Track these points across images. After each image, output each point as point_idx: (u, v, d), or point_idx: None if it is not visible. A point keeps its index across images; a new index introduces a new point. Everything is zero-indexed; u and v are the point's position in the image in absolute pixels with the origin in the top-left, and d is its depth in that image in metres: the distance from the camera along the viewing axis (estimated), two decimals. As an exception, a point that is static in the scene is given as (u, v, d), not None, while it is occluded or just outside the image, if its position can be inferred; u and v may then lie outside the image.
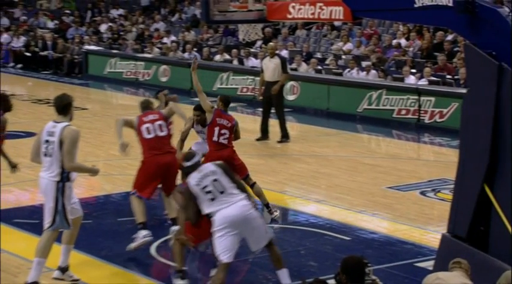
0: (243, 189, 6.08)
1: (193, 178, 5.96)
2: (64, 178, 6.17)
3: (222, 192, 5.92)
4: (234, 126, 8.19)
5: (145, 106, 7.70)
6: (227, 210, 5.87)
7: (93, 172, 6.48)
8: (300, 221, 8.23)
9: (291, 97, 15.70)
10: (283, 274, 6.11)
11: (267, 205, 8.15)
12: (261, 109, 12.95)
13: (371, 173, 10.55)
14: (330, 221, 8.31)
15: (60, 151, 6.12)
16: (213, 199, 5.90)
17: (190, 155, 6.22)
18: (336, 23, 18.40)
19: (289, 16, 7.37)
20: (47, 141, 6.18)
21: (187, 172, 6.08)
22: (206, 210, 5.91)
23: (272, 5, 7.66)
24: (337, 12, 6.82)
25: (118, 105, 17.55)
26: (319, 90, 15.62)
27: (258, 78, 13.94)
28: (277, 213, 8.16)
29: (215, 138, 8.04)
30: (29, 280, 6.12)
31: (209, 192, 5.90)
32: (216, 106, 8.36)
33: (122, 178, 9.84)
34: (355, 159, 11.54)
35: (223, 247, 5.81)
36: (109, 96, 18.68)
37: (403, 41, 17.09)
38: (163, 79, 18.64)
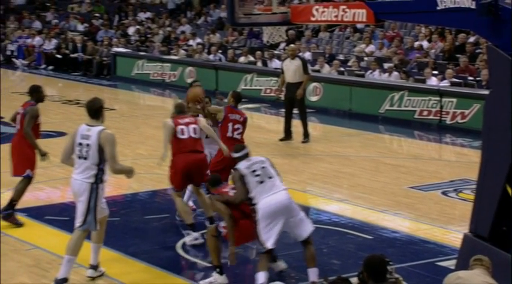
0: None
1: (243, 164, 6.27)
2: (98, 179, 6.24)
3: (270, 177, 6.21)
4: (246, 120, 8.18)
5: (181, 111, 7.72)
6: (271, 197, 6.09)
7: (132, 173, 6.52)
8: (323, 220, 8.20)
9: (313, 99, 15.67)
10: (313, 273, 6.18)
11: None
12: (284, 110, 12.94)
13: (393, 173, 10.48)
14: (352, 221, 8.27)
15: (98, 154, 6.19)
16: (261, 182, 6.16)
17: (239, 147, 6.54)
18: (359, 25, 18.32)
19: (313, 19, 7.35)
20: (80, 144, 6.24)
21: (236, 161, 6.35)
22: (253, 191, 6.12)
23: (296, 7, 7.65)
24: (360, 14, 6.79)
25: (145, 106, 17.66)
26: (341, 91, 15.57)
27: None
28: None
29: (229, 134, 8.06)
30: (59, 276, 6.18)
31: (258, 175, 6.18)
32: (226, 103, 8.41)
33: (149, 177, 9.90)
34: (377, 159, 11.47)
35: (268, 234, 6.04)
36: (136, 97, 18.79)
37: (425, 43, 16.96)
38: (189, 80, 18.67)
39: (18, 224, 7.89)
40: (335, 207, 8.86)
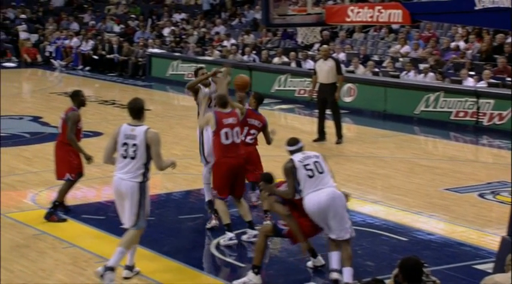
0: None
1: (297, 156, 6.37)
2: (145, 178, 6.32)
3: (321, 172, 6.28)
4: (265, 126, 8.03)
5: (224, 103, 7.44)
6: (316, 193, 6.17)
7: (175, 164, 6.62)
8: (357, 221, 8.14)
9: (347, 99, 15.58)
10: (348, 273, 6.18)
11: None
12: (317, 110, 12.90)
13: (428, 175, 10.36)
14: (387, 222, 8.20)
15: (146, 154, 6.24)
16: (310, 177, 6.24)
17: (294, 140, 6.56)
18: (394, 26, 18.16)
19: (348, 19, 7.33)
20: (125, 144, 6.28)
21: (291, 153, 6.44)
22: (301, 185, 6.21)
23: (331, 8, 7.63)
24: (396, 15, 6.74)
25: (179, 106, 17.77)
26: (376, 92, 15.45)
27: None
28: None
29: (242, 137, 7.82)
30: (108, 263, 6.26)
31: (310, 169, 6.26)
32: (248, 105, 8.21)
33: (183, 177, 9.95)
34: (412, 160, 11.36)
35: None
36: (171, 98, 18.92)
37: (461, 44, 16.74)
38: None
39: (61, 220, 8.05)
40: (369, 209, 8.79)
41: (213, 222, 7.78)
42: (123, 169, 6.31)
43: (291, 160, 6.33)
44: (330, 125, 12.61)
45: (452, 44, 16.78)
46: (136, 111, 6.38)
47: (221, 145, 7.31)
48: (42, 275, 6.61)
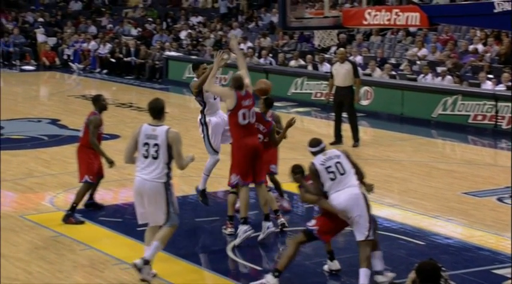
0: (361, 174, 6.50)
1: (318, 159, 6.42)
2: (169, 178, 6.39)
3: (342, 174, 6.34)
4: (272, 130, 7.97)
5: (240, 85, 7.44)
6: (339, 193, 6.27)
7: (194, 159, 6.68)
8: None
9: (364, 102, 15.53)
10: (363, 273, 6.18)
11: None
12: (333, 113, 12.87)
13: (446, 178, 10.29)
14: (404, 226, 8.15)
15: (168, 153, 6.30)
16: (333, 179, 6.31)
17: (316, 141, 6.59)
18: (411, 29, 18.08)
19: (365, 22, 7.31)
20: (147, 144, 6.33)
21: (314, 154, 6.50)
22: (326, 187, 6.32)
23: (348, 11, 7.61)
24: (414, 18, 6.71)
25: (195, 109, 17.66)
26: (393, 95, 15.39)
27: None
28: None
29: None
30: (145, 256, 6.34)
31: (331, 171, 6.33)
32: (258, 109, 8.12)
33: (199, 180, 9.96)
34: (429, 164, 11.29)
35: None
36: (187, 100, 18.95)
37: (480, 47, 16.62)
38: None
39: (79, 222, 8.11)
40: (386, 212, 8.74)
41: (229, 230, 7.76)
42: (146, 169, 6.35)
43: (313, 164, 6.37)
44: (346, 128, 12.57)
45: (471, 47, 16.67)
46: (157, 111, 6.43)
47: (239, 125, 7.38)
48: (60, 277, 6.65)
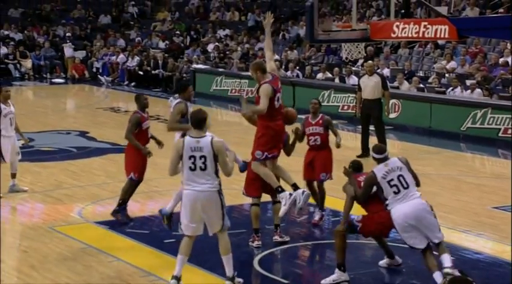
0: (417, 183, 6.68)
1: (380, 171, 6.55)
2: (220, 186, 6.50)
3: (405, 187, 6.49)
4: (284, 144, 7.90)
5: (264, 69, 7.60)
6: (404, 207, 6.43)
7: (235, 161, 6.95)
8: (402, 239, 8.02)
9: (392, 115, 15.42)
10: (447, 258, 6.49)
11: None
12: (360, 126, 12.82)
13: (476, 192, 10.17)
14: (433, 241, 8.04)
15: (215, 163, 6.39)
16: (396, 193, 6.47)
17: (381, 149, 6.79)
18: (440, 42, 17.98)
19: (393, 35, 7.29)
20: (192, 157, 6.37)
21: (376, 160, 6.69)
22: (389, 200, 6.49)
23: (376, 24, 7.61)
24: (442, 31, 6.68)
25: (223, 122, 17.87)
26: (421, 108, 15.28)
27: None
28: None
29: None
30: (228, 273, 6.53)
31: (394, 185, 6.48)
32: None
33: (227, 192, 9.91)
34: (458, 177, 11.16)
35: (412, 240, 6.49)
36: (214, 113, 19.04)
37: (510, 59, 16.44)
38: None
39: (128, 218, 8.39)
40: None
41: (256, 243, 7.76)
42: (197, 181, 6.38)
43: (374, 174, 6.54)
44: (373, 141, 12.50)
45: (501, 60, 16.50)
46: (199, 121, 6.50)
47: (273, 108, 7.45)
48: (88, 289, 6.70)
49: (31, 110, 10.76)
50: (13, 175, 9.90)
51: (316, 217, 8.62)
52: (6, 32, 26.36)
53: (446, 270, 6.40)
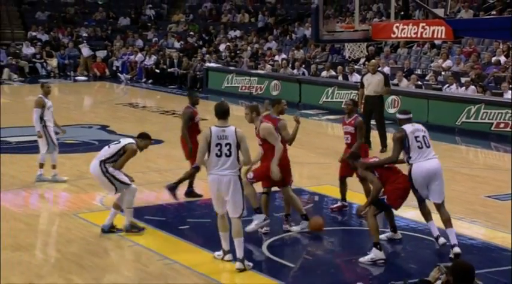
0: None
1: (408, 128, 6.99)
2: (240, 172, 6.68)
3: (428, 146, 6.95)
4: (277, 129, 7.73)
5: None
6: (425, 163, 6.88)
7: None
8: (401, 226, 8.00)
9: (391, 111, 15.37)
10: (452, 233, 6.88)
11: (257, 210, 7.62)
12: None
13: (469, 183, 10.12)
14: (429, 227, 8.01)
15: (237, 150, 6.60)
16: (420, 148, 6.90)
17: (406, 110, 7.22)
18: (436, 42, 17.87)
19: (393, 35, 7.24)
20: (218, 144, 6.56)
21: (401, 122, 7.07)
22: (412, 155, 6.89)
23: (377, 25, 7.57)
24: (439, 31, 6.63)
25: (233, 117, 17.69)
26: (419, 104, 15.19)
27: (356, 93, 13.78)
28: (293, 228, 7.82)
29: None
30: (238, 256, 6.59)
31: (419, 141, 6.91)
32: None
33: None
34: (453, 169, 11.10)
35: (420, 192, 6.94)
36: (226, 108, 19.05)
37: (502, 58, 16.33)
38: (274, 93, 18.79)
39: (175, 197, 8.22)
40: (412, 214, 8.60)
41: (265, 229, 7.72)
42: (221, 166, 6.56)
43: (403, 130, 6.90)
44: (373, 134, 12.46)
45: (494, 59, 16.39)
46: (225, 112, 6.73)
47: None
48: (109, 270, 6.72)
49: (56, 106, 10.75)
50: (53, 167, 10.01)
51: (336, 205, 8.55)
52: (34, 33, 26.47)
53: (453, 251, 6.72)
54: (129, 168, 10.95)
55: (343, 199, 8.61)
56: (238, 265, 6.60)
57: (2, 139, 13.15)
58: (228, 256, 6.79)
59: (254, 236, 7.72)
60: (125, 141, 7.67)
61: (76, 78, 24.36)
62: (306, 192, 9.56)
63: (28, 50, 24.96)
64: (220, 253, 6.85)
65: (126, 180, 7.66)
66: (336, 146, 11.95)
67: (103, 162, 7.53)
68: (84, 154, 11.99)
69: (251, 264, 6.68)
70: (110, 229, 7.66)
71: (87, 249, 7.28)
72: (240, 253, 6.63)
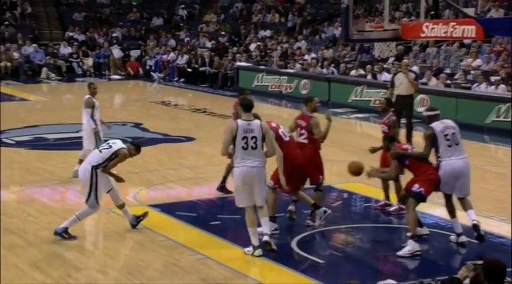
0: None
1: (438, 126, 7.05)
2: (265, 164, 6.86)
3: (457, 144, 7.00)
4: (309, 126, 7.74)
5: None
6: (454, 161, 6.97)
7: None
8: (429, 223, 7.92)
9: (421, 109, 15.20)
10: (471, 214, 7.13)
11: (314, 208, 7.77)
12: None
13: (498, 181, 9.96)
14: (458, 225, 7.91)
15: (262, 143, 6.75)
16: (449, 146, 6.97)
17: (433, 107, 7.40)
18: (466, 41, 17.60)
19: (423, 35, 7.16)
20: (245, 137, 6.70)
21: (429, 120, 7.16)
22: (441, 153, 7.00)
23: (407, 24, 7.49)
24: (470, 30, 6.53)
25: (263, 115, 17.57)
26: (447, 103, 14.98)
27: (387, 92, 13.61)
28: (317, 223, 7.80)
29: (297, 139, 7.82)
30: (266, 231, 6.82)
31: (448, 139, 6.98)
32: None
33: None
34: (483, 167, 10.93)
35: (447, 188, 7.10)
36: (256, 107, 19.05)
37: (532, 57, 16.01)
38: (304, 91, 18.74)
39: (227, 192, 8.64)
40: (441, 212, 8.50)
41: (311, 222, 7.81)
42: (249, 159, 6.71)
43: (432, 128, 6.97)
44: (402, 133, 12.33)
45: (524, 57, 16.08)
46: (251, 106, 6.86)
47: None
48: (142, 265, 6.79)
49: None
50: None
51: (392, 208, 8.44)
52: (71, 34, 26.82)
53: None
54: (162, 164, 11.15)
55: (387, 197, 8.52)
56: (265, 238, 6.79)
57: (40, 136, 13.39)
58: (258, 251, 6.80)
59: (282, 232, 7.71)
60: (116, 146, 7.54)
61: (111, 76, 24.63)
62: (335, 189, 9.52)
63: (65, 49, 25.32)
64: (250, 248, 6.86)
65: (100, 197, 7.42)
66: (365, 144, 11.85)
67: (95, 168, 7.40)
68: (119, 151, 12.11)
69: (251, 250, 6.80)
70: (137, 221, 7.68)
71: (122, 243, 7.36)
72: (266, 229, 6.81)
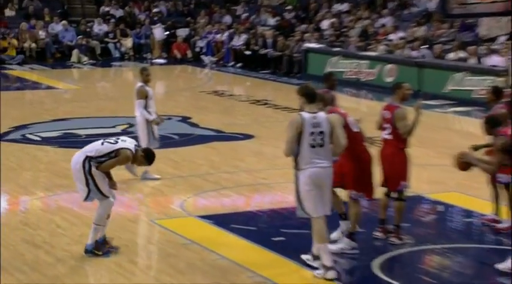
0: None
1: None
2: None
3: None
4: (393, 118, 7.67)
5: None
6: None
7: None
8: None
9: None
10: None
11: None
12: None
13: None
14: None
15: (330, 139, 6.77)
16: None
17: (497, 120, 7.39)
18: None
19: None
20: (313, 133, 6.70)
21: None
22: None
23: (522, -6, 7.27)
24: None
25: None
26: None
27: (499, 80, 13.31)
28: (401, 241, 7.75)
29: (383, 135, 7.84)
30: (327, 263, 6.82)
31: None
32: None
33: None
34: None
35: None
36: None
37: None
38: (389, 79, 18.52)
39: None
40: None
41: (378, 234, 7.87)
42: (319, 158, 6.72)
43: (507, 138, 7.00)
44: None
45: None
46: (314, 96, 6.81)
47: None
48: (191, 288, 6.87)
49: (131, 93, 11.05)
50: None
51: (502, 225, 8.28)
52: (106, 9, 27.27)
53: None
54: (214, 166, 11.28)
55: (497, 209, 8.36)
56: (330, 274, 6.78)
57: (70, 131, 13.76)
58: (331, 274, 6.78)
59: (362, 252, 7.66)
60: (121, 144, 7.33)
61: (153, 61, 25.05)
62: (426, 200, 9.38)
63: (100, 27, 25.84)
64: (321, 271, 6.85)
65: (105, 189, 7.33)
66: (465, 144, 11.59)
67: (88, 158, 7.26)
68: (162, 150, 12.27)
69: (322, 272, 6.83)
70: (97, 249, 7.41)
71: (167, 262, 7.47)
72: (327, 260, 6.80)
